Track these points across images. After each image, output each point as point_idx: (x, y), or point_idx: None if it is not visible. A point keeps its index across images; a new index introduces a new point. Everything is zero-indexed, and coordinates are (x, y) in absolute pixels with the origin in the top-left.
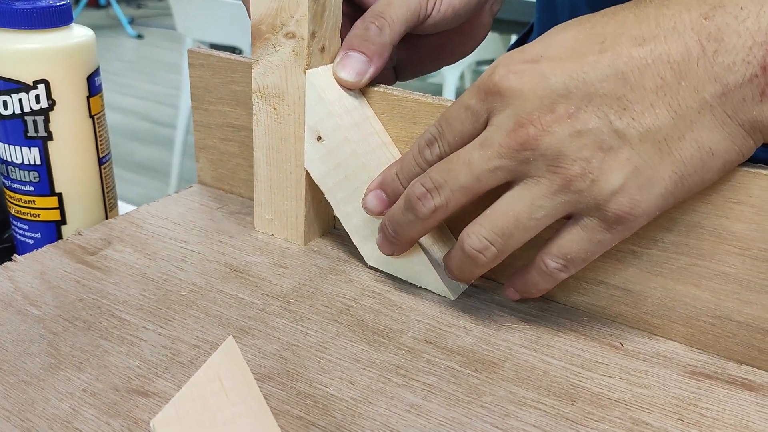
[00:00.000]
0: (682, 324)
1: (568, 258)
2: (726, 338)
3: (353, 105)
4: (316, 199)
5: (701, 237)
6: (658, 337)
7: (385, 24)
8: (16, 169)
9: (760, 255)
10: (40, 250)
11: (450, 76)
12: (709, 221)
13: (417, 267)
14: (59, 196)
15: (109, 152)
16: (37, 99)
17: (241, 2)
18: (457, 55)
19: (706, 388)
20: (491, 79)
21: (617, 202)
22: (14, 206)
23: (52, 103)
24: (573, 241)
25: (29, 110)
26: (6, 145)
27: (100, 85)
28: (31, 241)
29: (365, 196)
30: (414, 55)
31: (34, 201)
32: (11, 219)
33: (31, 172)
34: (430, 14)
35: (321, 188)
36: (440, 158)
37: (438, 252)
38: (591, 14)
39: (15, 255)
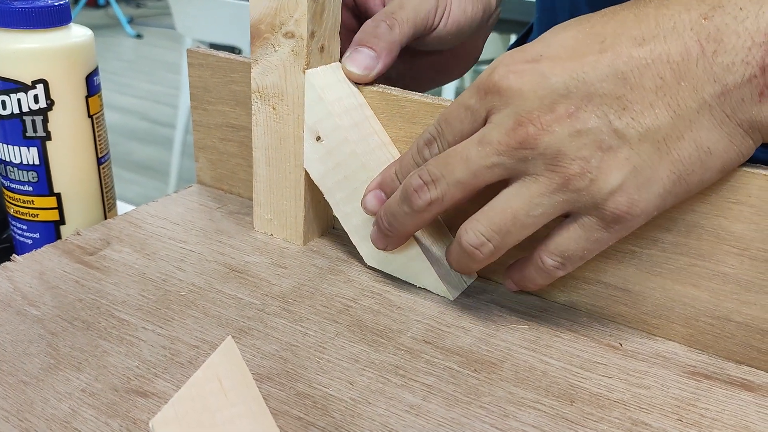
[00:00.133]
0: (682, 324)
1: (566, 256)
2: (725, 338)
3: (352, 105)
4: (316, 199)
5: (700, 237)
6: (657, 338)
7: (395, 23)
8: (15, 169)
9: (759, 255)
10: (38, 250)
11: None
12: (708, 221)
13: (416, 267)
14: (58, 196)
15: (107, 152)
16: (36, 99)
17: (240, 2)
18: (450, 76)
19: (705, 389)
20: (491, 79)
21: (615, 202)
22: (13, 206)
23: (50, 103)
24: (571, 239)
25: (28, 110)
26: (5, 145)
27: (98, 85)
28: (29, 242)
29: (364, 196)
30: (411, 72)
31: (32, 201)
32: (10, 219)
33: (30, 172)
34: (437, 26)
35: (320, 188)
36: None
37: (437, 252)
38: (591, 14)
39: (14, 255)
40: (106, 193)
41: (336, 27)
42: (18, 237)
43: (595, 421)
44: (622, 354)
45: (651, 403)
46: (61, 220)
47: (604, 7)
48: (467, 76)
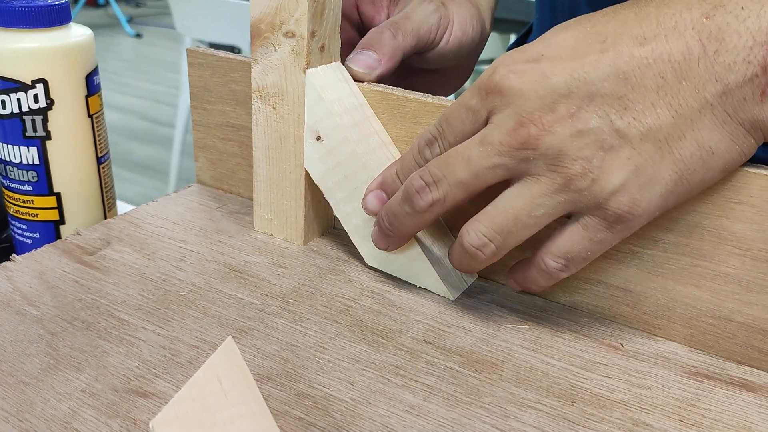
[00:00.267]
0: (683, 324)
1: (569, 257)
2: (726, 339)
3: (353, 105)
4: (316, 199)
5: (702, 237)
6: (658, 338)
7: (399, 32)
8: (15, 168)
9: (761, 255)
10: (38, 250)
11: None
12: (709, 221)
13: (417, 267)
14: (58, 195)
15: (107, 152)
16: (36, 98)
17: (240, 1)
18: (443, 94)
19: (706, 389)
20: (492, 79)
21: (618, 201)
22: (13, 206)
23: (50, 103)
24: (574, 240)
25: (28, 110)
26: (4, 145)
27: (98, 84)
28: (29, 241)
29: (365, 196)
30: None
31: (32, 201)
32: (10, 219)
33: (30, 172)
34: (439, 43)
35: (320, 188)
36: None
37: (437, 252)
38: (591, 13)
39: (13, 255)
40: (106, 192)
41: (336, 26)
42: (18, 237)
43: (596, 422)
44: (624, 354)
45: (652, 403)
46: (61, 220)
47: (604, 7)
48: None
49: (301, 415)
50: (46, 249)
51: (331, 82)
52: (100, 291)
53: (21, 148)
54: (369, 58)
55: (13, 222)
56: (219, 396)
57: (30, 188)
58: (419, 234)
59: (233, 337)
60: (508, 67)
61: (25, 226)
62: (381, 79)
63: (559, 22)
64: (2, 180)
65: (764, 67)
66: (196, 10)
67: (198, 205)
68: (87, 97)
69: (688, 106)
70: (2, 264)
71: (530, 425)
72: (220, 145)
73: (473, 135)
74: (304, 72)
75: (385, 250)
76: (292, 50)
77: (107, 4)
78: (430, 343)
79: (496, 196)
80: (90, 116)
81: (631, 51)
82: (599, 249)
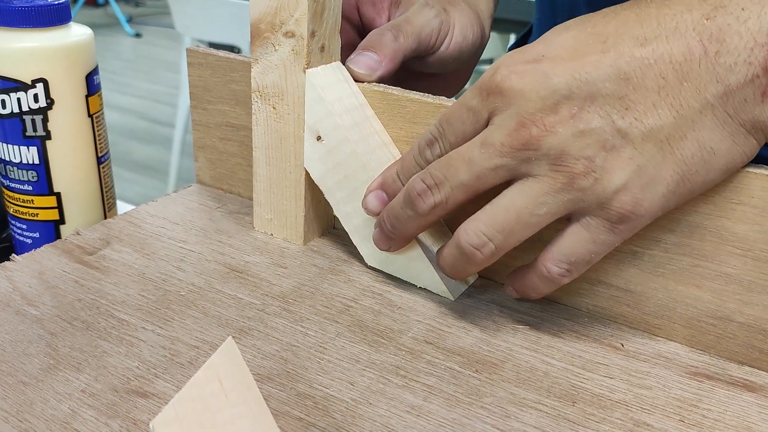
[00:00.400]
0: (684, 325)
1: (572, 261)
2: (727, 339)
3: (353, 104)
4: (316, 199)
5: (703, 238)
6: (659, 338)
7: (401, 34)
8: (15, 168)
9: (762, 256)
10: (38, 249)
11: None
12: (711, 222)
13: (417, 267)
14: (58, 195)
15: (107, 151)
16: (36, 98)
17: (239, 1)
18: None
19: (707, 389)
20: (493, 80)
21: (620, 201)
22: (13, 206)
23: (50, 102)
24: (576, 242)
25: (27, 109)
26: (4, 145)
27: (98, 84)
28: (29, 241)
29: (365, 196)
30: None
31: (32, 200)
32: (10, 218)
33: (30, 172)
34: (440, 48)
35: (320, 188)
36: None
37: None
38: (591, 14)
39: (13, 255)
40: (106, 192)
41: (336, 26)
42: (17, 236)
43: (596, 422)
44: (624, 354)
45: (653, 403)
46: (61, 220)
47: (603, 7)
48: None
49: (301, 416)
50: (46, 249)
51: (332, 82)
52: (99, 291)
53: (21, 147)
54: (370, 59)
55: (13, 222)
56: (219, 396)
57: (30, 188)
58: (420, 234)
59: (233, 337)
60: (509, 67)
61: (24, 226)
62: (381, 81)
63: (559, 23)
64: (2, 180)
65: (765, 67)
66: (195, 10)
67: (198, 205)
68: (87, 96)
69: (689, 106)
70: (2, 264)
71: (531, 425)
72: (219, 145)
73: (474, 135)
74: (304, 72)
75: (387, 251)
76: (292, 50)
77: (107, 3)
78: (431, 344)
79: (494, 197)
80: (90, 116)
81: (632, 51)
82: (601, 251)
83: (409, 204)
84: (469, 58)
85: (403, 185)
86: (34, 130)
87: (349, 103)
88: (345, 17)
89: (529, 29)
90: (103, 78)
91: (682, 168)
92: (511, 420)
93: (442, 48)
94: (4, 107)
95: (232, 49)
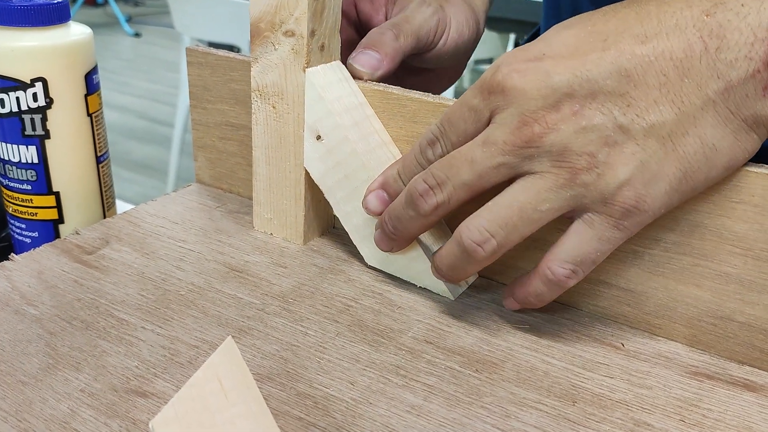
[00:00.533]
0: (684, 324)
1: (577, 261)
2: (727, 339)
3: (353, 104)
4: (316, 198)
5: (703, 237)
6: (659, 338)
7: (401, 33)
8: (14, 167)
9: (762, 255)
10: (37, 249)
11: None
12: (711, 221)
13: (417, 267)
14: (57, 194)
15: (106, 151)
16: (35, 97)
17: (239, 0)
18: (436, 92)
19: (707, 389)
20: (494, 78)
21: (623, 196)
22: (12, 205)
23: (49, 101)
24: (581, 241)
25: (27, 108)
26: (3, 144)
27: (97, 83)
28: (28, 240)
29: (366, 196)
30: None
31: (31, 200)
32: (9, 218)
33: (29, 171)
34: (437, 44)
35: (320, 187)
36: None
37: None
38: (591, 12)
39: (12, 254)
40: (105, 191)
41: (336, 26)
42: (17, 236)
43: (597, 422)
44: (624, 354)
45: (653, 403)
46: (60, 219)
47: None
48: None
49: (301, 415)
50: (45, 248)
51: (331, 81)
52: (99, 290)
53: (20, 146)
54: (372, 58)
55: (12, 221)
56: (219, 396)
57: (29, 187)
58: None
59: (233, 336)
60: (510, 66)
61: (24, 225)
62: (381, 80)
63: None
64: (1, 179)
65: (765, 62)
66: (195, 9)
67: (197, 205)
68: (86, 96)
69: (691, 103)
70: (1, 263)
71: (531, 425)
72: (219, 145)
73: (475, 135)
74: (304, 71)
75: (389, 251)
76: (292, 49)
77: (106, 3)
78: (431, 343)
79: (494, 197)
80: (89, 115)
81: (632, 49)
82: (606, 249)
83: (411, 204)
84: (465, 52)
85: (405, 185)
86: (33, 129)
87: (349, 103)
88: (343, 14)
89: (537, 30)
90: (102, 77)
91: (684, 165)
92: (511, 420)
93: (439, 45)
94: (3, 106)
95: (231, 48)
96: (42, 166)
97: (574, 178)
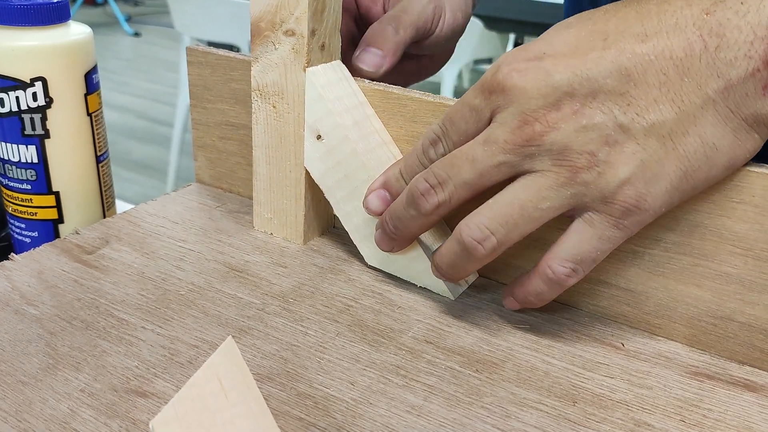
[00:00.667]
0: (684, 324)
1: (578, 260)
2: (728, 339)
3: (353, 103)
4: (316, 198)
5: (703, 237)
6: (659, 338)
7: (401, 26)
8: (13, 167)
9: (763, 255)
10: (37, 249)
11: (448, 74)
12: (711, 221)
13: (417, 267)
14: (56, 194)
15: (106, 150)
16: (35, 96)
17: (239, 0)
18: (425, 76)
19: (708, 389)
20: (495, 78)
21: (624, 194)
22: (11, 205)
23: (49, 101)
24: (581, 240)
25: (26, 108)
26: (3, 143)
27: (97, 83)
28: (28, 240)
29: (367, 196)
30: (395, 71)
31: (31, 199)
32: (8, 218)
33: (29, 171)
34: (435, 31)
35: (320, 187)
36: None
37: None
38: (591, 11)
39: (12, 254)
40: (105, 191)
41: (337, 25)
42: (16, 236)
43: (597, 422)
44: (625, 354)
45: (653, 403)
46: (60, 219)
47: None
48: (465, 75)
49: (301, 415)
50: (45, 248)
51: (332, 81)
52: (99, 290)
53: (20, 146)
54: (375, 57)
55: (12, 221)
56: (219, 396)
57: (29, 187)
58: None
59: (233, 336)
60: (511, 65)
61: (23, 225)
62: (385, 73)
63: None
64: (1, 179)
65: (765, 61)
66: (194, 9)
67: (197, 204)
68: (86, 95)
69: (691, 102)
70: (1, 263)
71: (531, 425)
72: (219, 144)
73: (477, 134)
74: (305, 70)
75: (389, 251)
76: (292, 49)
77: (105, 2)
78: (431, 343)
79: (493, 196)
80: (89, 115)
81: (633, 48)
82: (606, 248)
83: (413, 204)
84: (459, 34)
85: (407, 184)
86: (33, 128)
87: (350, 102)
88: (343, 7)
89: None
90: (102, 77)
91: (684, 164)
92: (511, 420)
93: (437, 31)
94: (2, 106)
95: (231, 48)
96: (42, 166)
97: (574, 177)
